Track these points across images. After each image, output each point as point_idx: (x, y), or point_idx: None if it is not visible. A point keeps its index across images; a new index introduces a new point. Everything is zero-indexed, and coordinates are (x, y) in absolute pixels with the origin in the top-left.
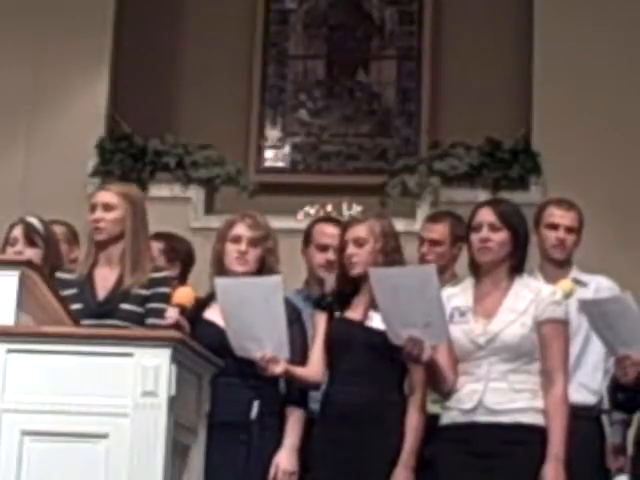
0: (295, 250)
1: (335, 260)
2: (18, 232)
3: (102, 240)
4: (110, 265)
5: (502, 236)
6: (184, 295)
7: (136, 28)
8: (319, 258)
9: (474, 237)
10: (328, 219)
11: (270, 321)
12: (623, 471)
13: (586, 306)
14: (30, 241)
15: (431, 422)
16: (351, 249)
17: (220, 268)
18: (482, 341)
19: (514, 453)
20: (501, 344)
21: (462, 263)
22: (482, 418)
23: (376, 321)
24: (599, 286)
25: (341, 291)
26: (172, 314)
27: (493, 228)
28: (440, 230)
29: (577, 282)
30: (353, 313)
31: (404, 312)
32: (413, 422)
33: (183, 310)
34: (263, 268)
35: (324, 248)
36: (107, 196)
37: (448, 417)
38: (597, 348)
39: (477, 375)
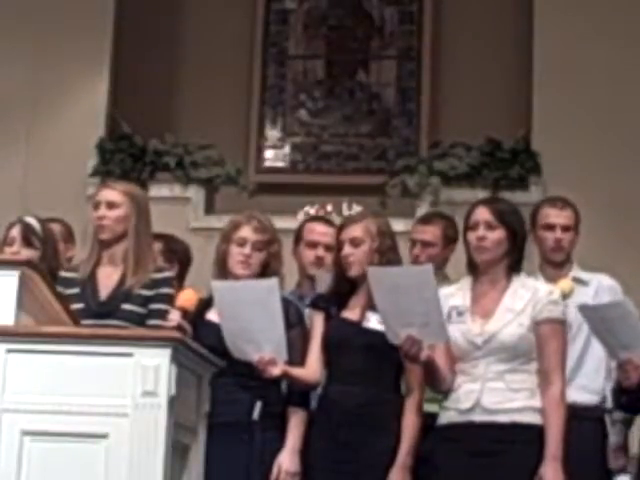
0: None
1: (324, 256)
2: (16, 232)
3: (106, 239)
4: (113, 264)
5: (498, 235)
6: (187, 298)
7: (136, 28)
8: (309, 255)
9: (471, 236)
10: (317, 218)
11: (267, 323)
12: (625, 471)
13: (586, 311)
14: (27, 242)
15: (428, 421)
16: (347, 249)
17: (223, 269)
18: (479, 341)
19: (511, 452)
20: (498, 344)
21: (456, 264)
22: (479, 418)
23: (373, 321)
24: (600, 284)
25: (338, 291)
26: (174, 317)
27: (489, 227)
28: (432, 231)
29: (578, 281)
30: (350, 313)
31: (402, 312)
32: (410, 422)
33: (185, 313)
34: (266, 272)
35: (313, 245)
36: (111, 194)
37: (445, 417)
38: (598, 349)
39: (474, 375)
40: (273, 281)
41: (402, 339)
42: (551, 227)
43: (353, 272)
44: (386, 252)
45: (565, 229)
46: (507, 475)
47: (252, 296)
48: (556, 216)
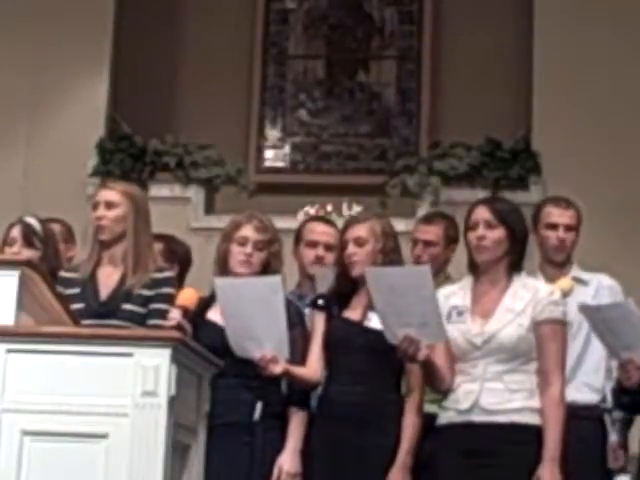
0: None
1: (324, 256)
2: (16, 232)
3: (105, 239)
4: (113, 264)
5: (498, 234)
6: (187, 297)
7: (136, 28)
8: (309, 254)
9: (471, 235)
10: (317, 218)
11: (270, 321)
12: (624, 471)
13: (587, 312)
14: (28, 242)
15: (428, 422)
16: (351, 249)
17: (224, 268)
18: (479, 341)
19: (510, 453)
20: (497, 345)
21: (457, 264)
22: (478, 418)
23: (375, 321)
24: (600, 284)
25: (340, 291)
26: (175, 316)
27: (489, 226)
28: (434, 231)
29: (578, 281)
30: (352, 313)
31: (400, 312)
32: (410, 423)
33: (186, 312)
34: (267, 271)
35: (313, 245)
36: (110, 194)
37: (445, 417)
38: (598, 347)
39: (473, 375)
40: (277, 279)
41: (400, 339)
42: (554, 226)
43: (356, 272)
44: (389, 253)
45: (568, 229)
46: (506, 475)
47: (255, 293)
48: (559, 215)
